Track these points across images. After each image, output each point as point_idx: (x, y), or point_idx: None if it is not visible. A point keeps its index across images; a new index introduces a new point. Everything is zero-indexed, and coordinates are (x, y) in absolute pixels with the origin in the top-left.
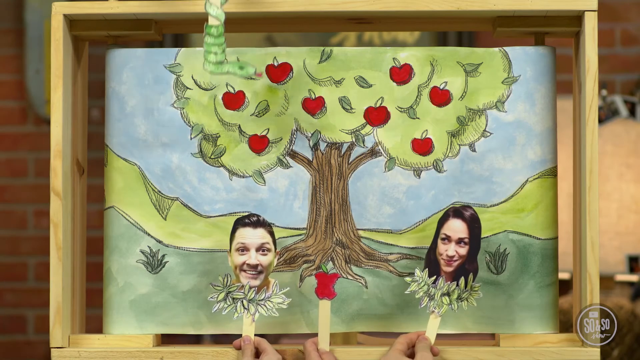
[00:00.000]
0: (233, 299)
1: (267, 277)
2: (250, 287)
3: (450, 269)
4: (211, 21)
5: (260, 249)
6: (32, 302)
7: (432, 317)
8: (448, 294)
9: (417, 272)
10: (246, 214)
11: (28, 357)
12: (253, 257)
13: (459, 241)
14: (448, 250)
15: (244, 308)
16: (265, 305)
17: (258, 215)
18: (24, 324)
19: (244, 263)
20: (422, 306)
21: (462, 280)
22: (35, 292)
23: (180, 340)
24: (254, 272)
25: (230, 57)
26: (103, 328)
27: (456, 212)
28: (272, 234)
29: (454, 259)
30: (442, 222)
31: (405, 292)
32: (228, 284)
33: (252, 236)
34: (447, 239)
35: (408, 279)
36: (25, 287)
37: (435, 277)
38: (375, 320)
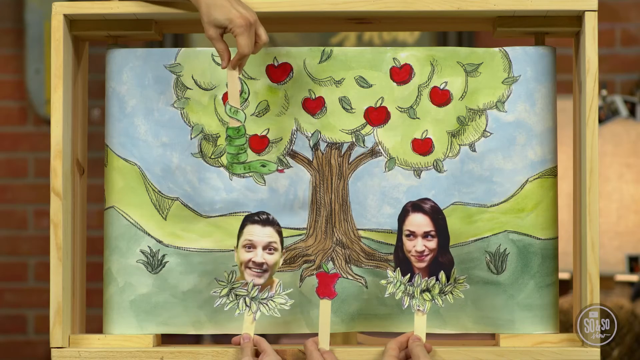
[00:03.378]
0: (236, 295)
1: (272, 277)
2: (254, 285)
3: (423, 265)
4: (232, 123)
5: (267, 247)
6: (32, 302)
7: (417, 315)
8: (428, 290)
9: (390, 272)
10: (246, 212)
11: (28, 357)
12: (259, 255)
13: (426, 235)
14: (416, 245)
15: (246, 305)
16: (267, 305)
17: (268, 214)
18: (24, 324)
19: (249, 260)
20: (405, 307)
21: (441, 275)
22: (35, 292)
23: (180, 340)
24: (259, 270)
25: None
26: (103, 328)
27: (415, 206)
28: (280, 233)
29: (425, 253)
30: (402, 218)
31: (385, 295)
32: (232, 280)
33: (260, 234)
34: (412, 234)
35: (383, 281)
36: (25, 287)
37: (409, 275)
38: (375, 320)
